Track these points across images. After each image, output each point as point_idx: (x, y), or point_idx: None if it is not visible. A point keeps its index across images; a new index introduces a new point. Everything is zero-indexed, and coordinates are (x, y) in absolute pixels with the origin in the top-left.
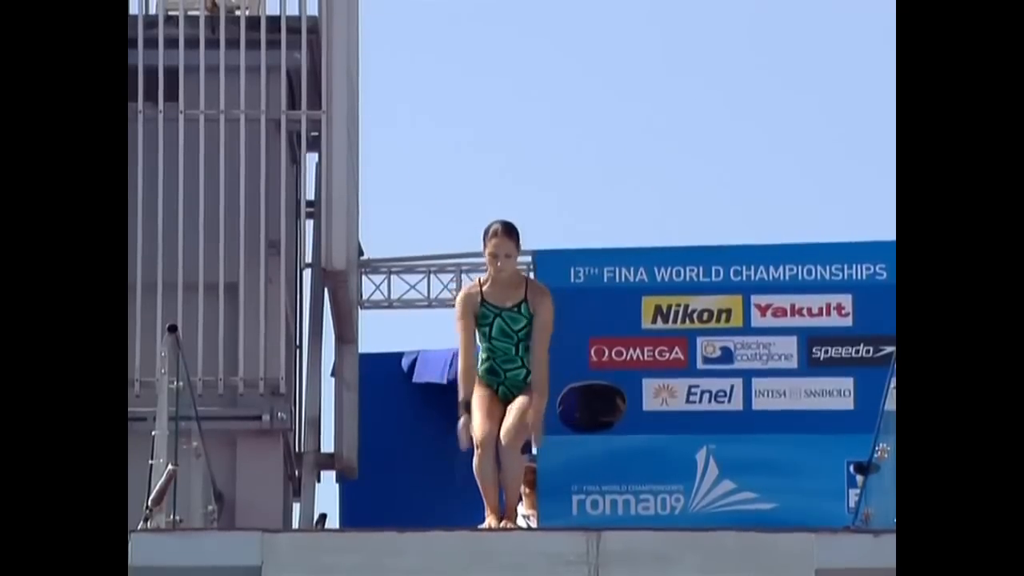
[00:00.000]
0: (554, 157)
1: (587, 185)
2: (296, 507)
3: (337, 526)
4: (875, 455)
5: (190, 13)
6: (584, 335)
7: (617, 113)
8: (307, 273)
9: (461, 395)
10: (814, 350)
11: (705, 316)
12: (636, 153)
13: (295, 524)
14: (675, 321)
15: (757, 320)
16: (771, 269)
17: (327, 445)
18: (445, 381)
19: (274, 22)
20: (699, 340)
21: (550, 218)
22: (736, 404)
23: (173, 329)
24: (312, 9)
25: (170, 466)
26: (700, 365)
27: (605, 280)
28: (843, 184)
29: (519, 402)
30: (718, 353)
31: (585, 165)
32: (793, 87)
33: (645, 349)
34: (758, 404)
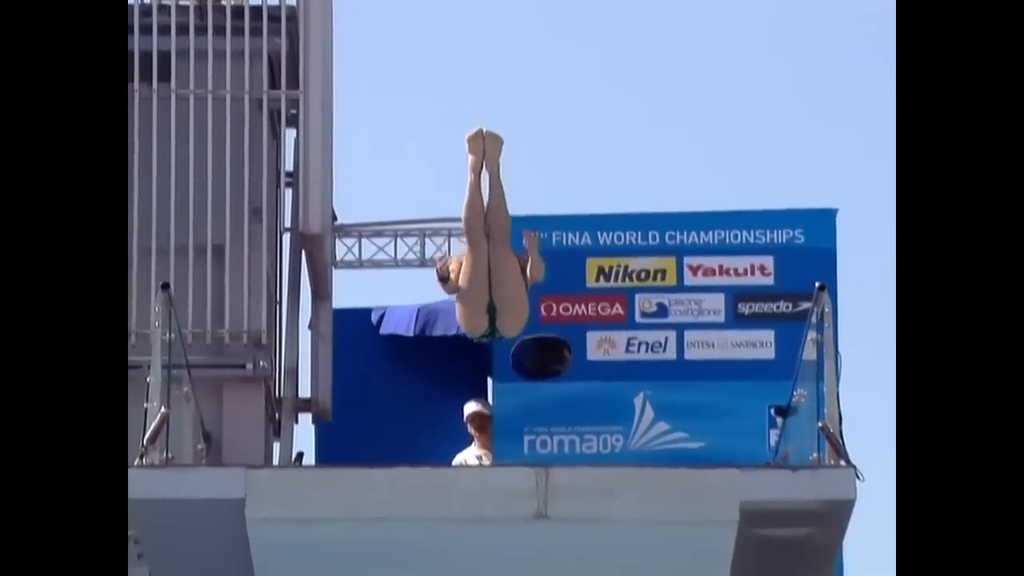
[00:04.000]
0: (519, 128)
1: (549, 154)
2: (276, 446)
3: (313, 463)
4: (793, 399)
5: (181, 3)
6: (534, 293)
7: (586, 85)
8: (286, 237)
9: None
10: (740, 306)
11: (643, 275)
12: (595, 127)
13: (275, 462)
14: (616, 280)
15: (689, 279)
16: (702, 234)
17: (304, 391)
18: (411, 334)
19: (256, 11)
20: (637, 297)
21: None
22: (670, 354)
23: (166, 287)
24: None
25: (163, 409)
26: (638, 319)
27: (553, 244)
28: (765, 156)
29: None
30: (654, 309)
31: (550, 134)
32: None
33: (589, 305)
34: (690, 354)
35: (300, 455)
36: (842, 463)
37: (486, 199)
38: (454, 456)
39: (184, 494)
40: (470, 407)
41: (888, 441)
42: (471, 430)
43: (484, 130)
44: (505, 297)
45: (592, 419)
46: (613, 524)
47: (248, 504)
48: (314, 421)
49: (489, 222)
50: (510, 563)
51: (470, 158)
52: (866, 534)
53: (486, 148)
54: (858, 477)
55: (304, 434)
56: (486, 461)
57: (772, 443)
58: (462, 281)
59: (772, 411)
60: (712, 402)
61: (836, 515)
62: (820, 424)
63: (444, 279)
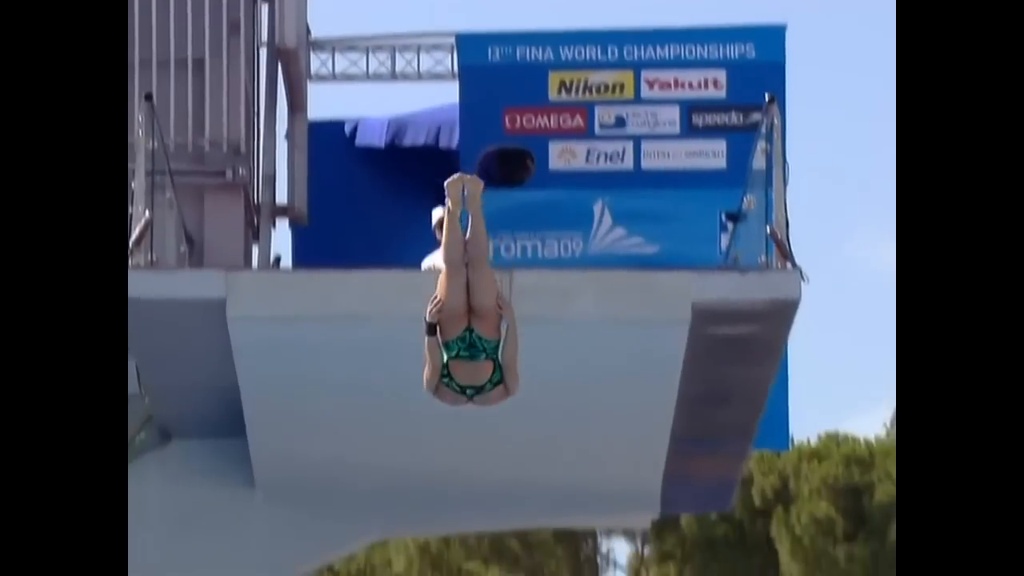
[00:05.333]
0: None
1: None
2: (255, 250)
3: (290, 266)
4: (743, 206)
5: None
6: (499, 105)
7: None
8: (263, 51)
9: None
10: (693, 117)
11: (602, 89)
12: None
13: (254, 264)
14: (576, 93)
15: (646, 92)
16: (658, 49)
17: (281, 197)
18: (382, 144)
19: None
20: (597, 109)
21: (472, 3)
22: (628, 164)
23: (149, 98)
24: None
25: (147, 214)
26: (597, 131)
27: (517, 58)
28: None
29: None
30: (613, 120)
31: None
32: None
33: (551, 117)
34: (646, 164)
35: (278, 258)
36: (788, 265)
37: (466, 232)
38: (423, 259)
39: (168, 294)
40: (438, 213)
41: (830, 246)
42: (439, 235)
43: (464, 176)
44: (481, 304)
45: (553, 225)
46: (573, 323)
47: (229, 304)
48: (291, 226)
49: (469, 250)
50: None
51: (449, 203)
52: (808, 332)
53: (468, 191)
54: (803, 278)
55: (281, 238)
56: None
57: (723, 247)
58: (440, 294)
59: (723, 217)
60: (667, 209)
61: (782, 314)
62: (768, 229)
63: (432, 331)
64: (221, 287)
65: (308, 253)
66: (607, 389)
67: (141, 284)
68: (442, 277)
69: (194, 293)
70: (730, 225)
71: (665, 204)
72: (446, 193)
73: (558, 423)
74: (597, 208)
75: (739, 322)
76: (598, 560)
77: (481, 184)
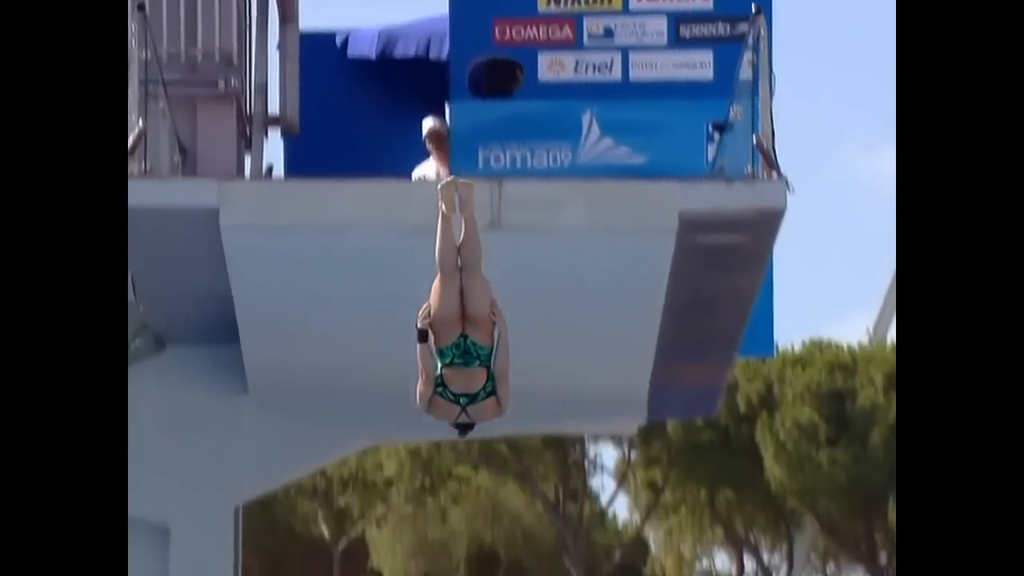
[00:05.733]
0: None
1: None
2: (247, 160)
3: (282, 176)
4: (729, 116)
5: None
6: (489, 16)
7: None
8: None
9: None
10: (681, 28)
11: (590, 0)
12: None
13: (247, 174)
14: (565, 5)
15: (634, 4)
16: None
17: (273, 108)
18: (373, 56)
19: None
20: (585, 21)
21: None
22: (615, 75)
23: (142, 8)
24: None
25: (140, 123)
26: (586, 42)
27: None
28: None
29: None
30: (601, 32)
31: None
32: None
33: (540, 28)
34: (634, 75)
35: (270, 168)
36: (774, 175)
37: (459, 236)
38: (414, 170)
39: (162, 203)
40: (428, 124)
41: (815, 157)
42: (429, 146)
43: (457, 180)
44: (475, 311)
45: (542, 135)
46: (561, 233)
47: (222, 213)
48: (283, 136)
49: (462, 255)
50: None
51: (442, 206)
52: (793, 240)
53: (460, 195)
54: (788, 188)
55: (273, 149)
56: (443, 175)
57: (710, 157)
58: (433, 304)
59: (710, 127)
60: (654, 119)
61: (767, 223)
62: (754, 139)
63: (424, 338)
64: (214, 196)
65: (300, 163)
66: (595, 298)
67: (135, 193)
68: (435, 283)
69: (188, 202)
70: (717, 135)
71: (652, 115)
72: (438, 197)
73: (547, 331)
74: (585, 119)
75: (725, 231)
76: (586, 465)
77: (474, 187)
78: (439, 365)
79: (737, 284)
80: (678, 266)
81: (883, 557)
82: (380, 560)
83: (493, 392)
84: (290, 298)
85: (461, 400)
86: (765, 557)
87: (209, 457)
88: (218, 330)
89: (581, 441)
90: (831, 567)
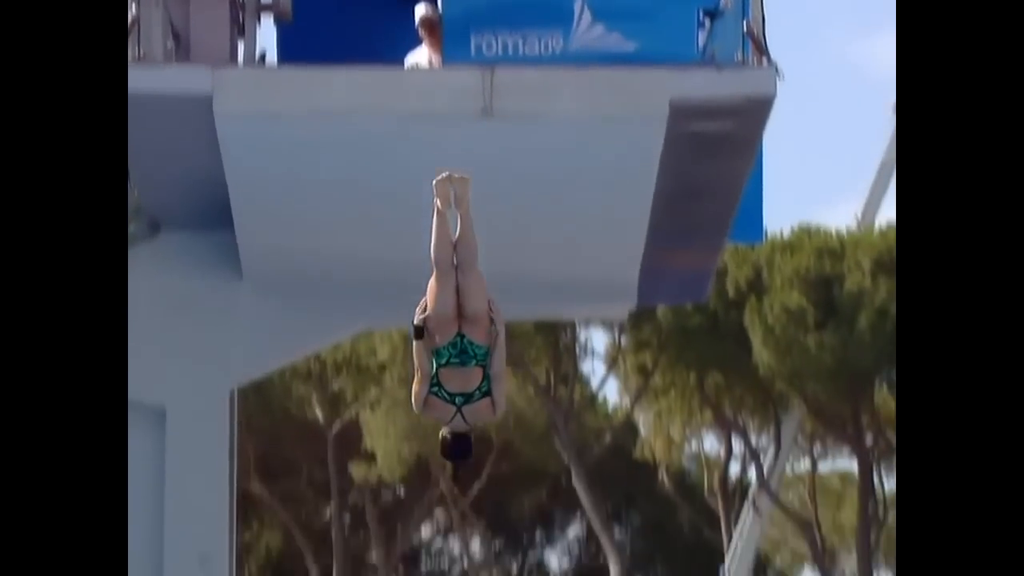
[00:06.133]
0: None
1: None
2: (240, 47)
3: (275, 63)
4: (721, 3)
5: None
6: None
7: None
8: None
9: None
10: None
11: None
12: None
13: (240, 61)
14: None
15: None
16: None
17: None
18: None
19: None
20: None
21: None
22: None
23: None
24: None
25: (134, 8)
26: None
27: None
28: None
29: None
30: None
31: None
32: None
33: None
34: None
35: (263, 55)
36: (764, 62)
37: (455, 232)
38: (406, 57)
39: (156, 89)
40: (420, 11)
41: (806, 43)
42: (422, 33)
43: (452, 175)
44: (472, 310)
45: (534, 22)
46: (553, 120)
47: (215, 99)
48: (276, 22)
49: (458, 252)
50: (458, 156)
51: (437, 202)
52: (782, 126)
53: (456, 191)
54: (778, 75)
55: (266, 35)
56: (436, 62)
57: (700, 44)
58: (430, 302)
59: (701, 14)
60: (646, 6)
61: (757, 110)
62: (745, 26)
63: (420, 334)
64: (207, 83)
65: (292, 50)
66: (586, 184)
67: (129, 79)
68: (431, 281)
69: (181, 88)
70: (707, 22)
71: (644, 1)
72: (434, 193)
73: (539, 217)
74: (577, 5)
75: (715, 118)
76: (576, 349)
77: (469, 181)
78: (435, 365)
79: (727, 170)
80: (668, 152)
81: (869, 438)
82: (373, 442)
83: (488, 393)
84: (284, 184)
85: (457, 400)
86: (753, 439)
87: (205, 341)
88: (213, 216)
89: (572, 326)
90: (817, 448)
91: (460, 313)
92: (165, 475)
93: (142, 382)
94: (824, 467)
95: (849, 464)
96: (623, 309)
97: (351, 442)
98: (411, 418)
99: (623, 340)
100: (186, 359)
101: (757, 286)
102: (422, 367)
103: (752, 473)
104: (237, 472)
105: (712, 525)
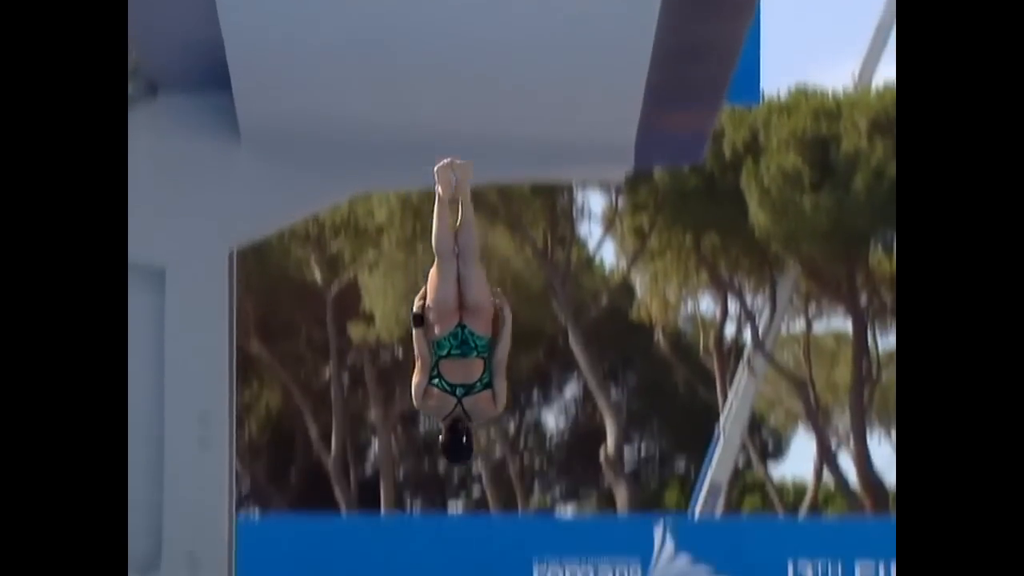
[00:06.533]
0: None
1: None
2: None
3: None
4: None
5: None
6: None
7: None
8: None
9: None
10: None
11: None
12: None
13: None
14: None
15: None
16: None
17: None
18: None
19: None
20: None
21: None
22: None
23: None
24: None
25: None
26: None
27: None
28: None
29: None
30: None
31: None
32: None
33: None
34: None
35: None
36: None
37: (457, 219)
38: None
39: None
40: None
41: None
42: None
43: (454, 161)
44: (474, 300)
45: None
46: None
47: None
48: None
49: (459, 241)
50: (456, 16)
51: (439, 188)
52: None
53: (457, 177)
54: None
55: None
56: None
57: None
58: (430, 290)
59: None
60: None
61: None
62: None
63: (419, 322)
64: None
65: None
66: (583, 44)
67: None
68: (433, 270)
69: None
70: None
71: None
72: (435, 179)
73: (536, 78)
74: None
75: None
76: (573, 212)
77: (471, 168)
78: (436, 356)
79: (724, 30)
80: (666, 10)
81: (863, 299)
82: (372, 303)
83: (489, 385)
84: (282, 44)
85: (457, 391)
86: (748, 300)
87: (203, 203)
88: (211, 77)
89: (569, 188)
90: (812, 309)
91: (461, 303)
92: (165, 335)
93: (141, 243)
94: (819, 327)
95: (843, 324)
96: (620, 171)
97: (350, 303)
98: (409, 280)
99: (620, 202)
100: (185, 220)
101: (754, 148)
102: (421, 355)
103: (747, 334)
104: (236, 332)
105: (707, 385)
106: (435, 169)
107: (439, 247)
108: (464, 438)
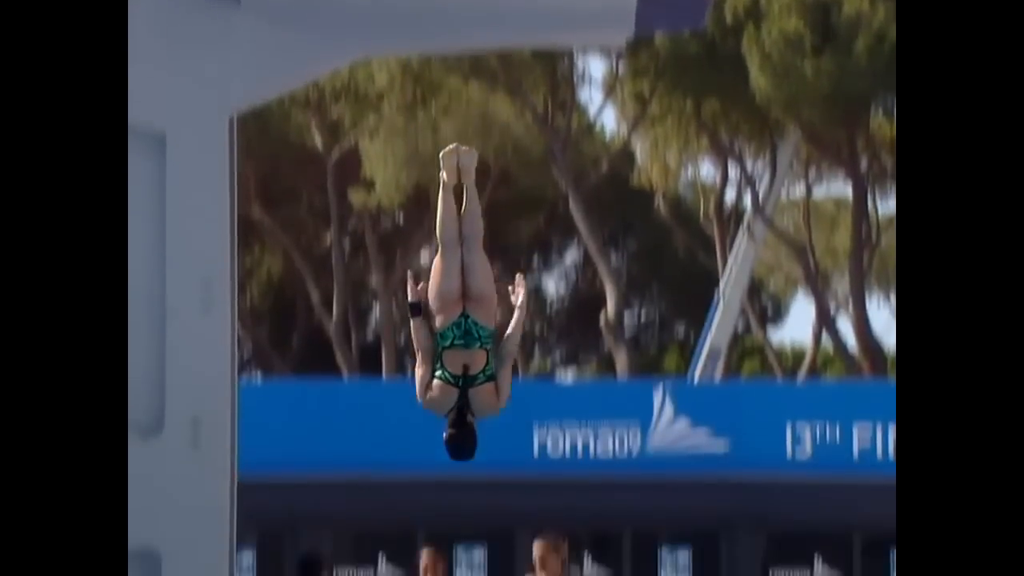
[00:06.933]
0: None
1: None
2: None
3: None
4: None
5: None
6: None
7: None
8: None
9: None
10: None
11: None
12: None
13: None
14: None
15: None
16: None
17: None
18: None
19: None
20: None
21: None
22: None
23: None
24: None
25: None
26: None
27: None
28: None
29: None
30: None
31: None
32: None
33: None
34: None
35: None
36: None
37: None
38: None
39: None
40: None
41: None
42: None
43: (459, 147)
44: (478, 289)
45: None
46: None
47: None
48: None
49: (463, 229)
50: None
51: (443, 174)
52: None
53: (461, 163)
54: None
55: None
56: None
57: None
58: (434, 280)
59: None
60: None
61: None
62: None
63: (418, 310)
64: None
65: None
66: None
67: None
68: (436, 259)
69: None
70: None
71: None
72: (440, 165)
73: None
74: None
75: None
76: (574, 77)
77: (476, 155)
78: (440, 347)
79: None
80: None
81: (863, 163)
82: (372, 170)
83: (493, 377)
84: None
85: (459, 382)
86: (748, 165)
87: (202, 68)
88: None
89: (570, 54)
90: (812, 174)
91: (465, 293)
92: (166, 200)
93: (140, 107)
94: (819, 192)
95: (843, 189)
96: (621, 36)
97: (350, 169)
98: (409, 146)
99: (620, 68)
100: (184, 85)
101: (755, 13)
102: (423, 346)
103: (747, 199)
104: (238, 198)
105: (707, 250)
106: (440, 155)
107: (444, 235)
108: (469, 435)
